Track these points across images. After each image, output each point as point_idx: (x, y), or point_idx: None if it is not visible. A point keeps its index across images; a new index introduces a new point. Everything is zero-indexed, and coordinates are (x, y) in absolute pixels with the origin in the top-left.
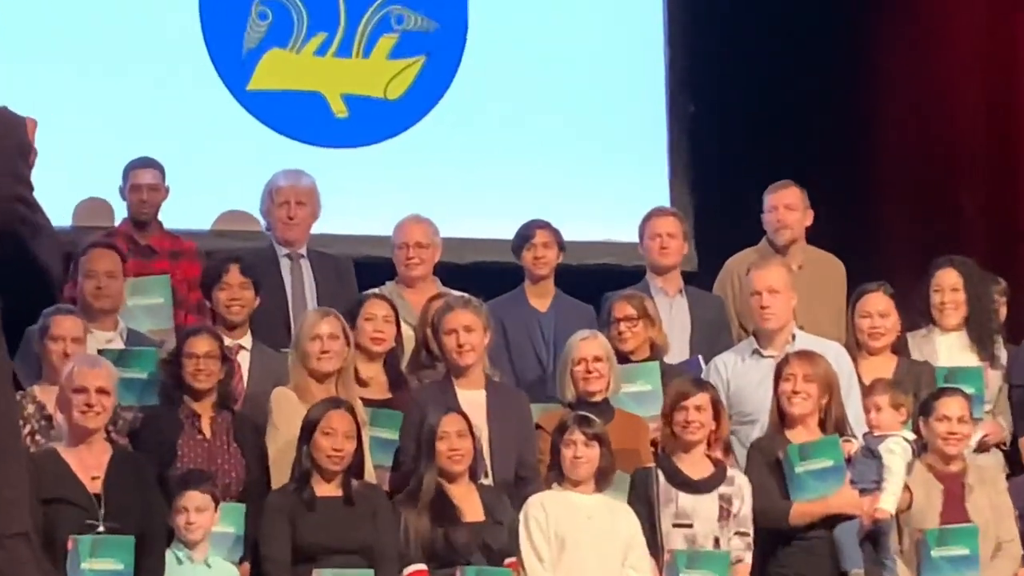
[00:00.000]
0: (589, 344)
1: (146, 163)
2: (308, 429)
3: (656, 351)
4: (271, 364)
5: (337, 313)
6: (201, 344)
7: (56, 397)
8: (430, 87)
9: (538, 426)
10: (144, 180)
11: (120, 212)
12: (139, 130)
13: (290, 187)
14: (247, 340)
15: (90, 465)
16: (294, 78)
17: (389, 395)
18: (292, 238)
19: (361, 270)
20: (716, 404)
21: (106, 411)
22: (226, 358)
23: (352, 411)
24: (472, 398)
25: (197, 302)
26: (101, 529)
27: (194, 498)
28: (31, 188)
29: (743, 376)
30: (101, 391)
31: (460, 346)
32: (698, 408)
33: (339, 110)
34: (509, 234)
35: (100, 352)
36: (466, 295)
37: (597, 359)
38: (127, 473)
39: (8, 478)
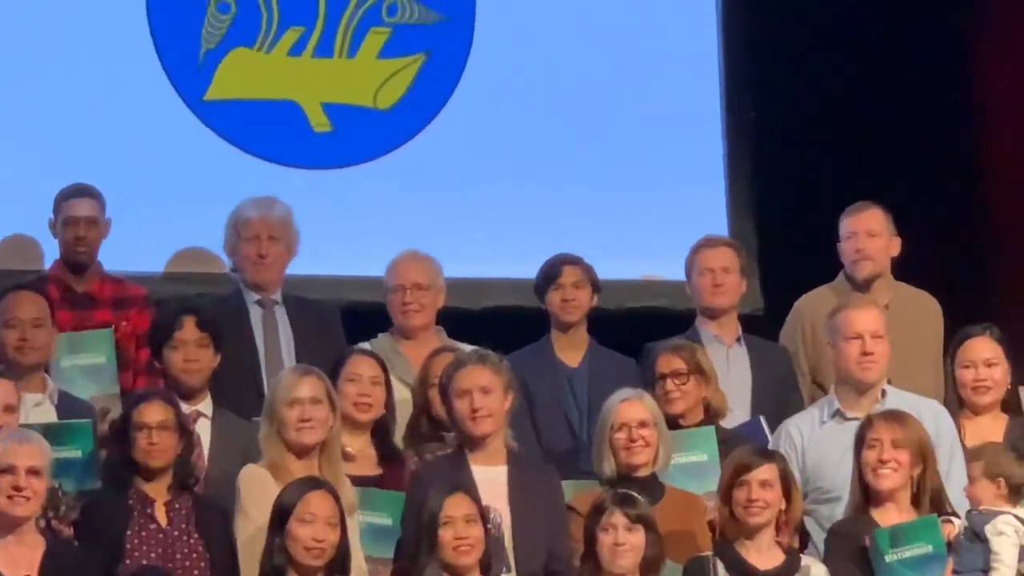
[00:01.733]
0: (632, 407)
1: (81, 191)
2: (281, 515)
3: (711, 413)
4: (237, 435)
5: (320, 372)
6: (153, 412)
7: None
8: (430, 93)
9: (570, 508)
10: (79, 212)
11: (51, 253)
12: (73, 152)
13: (260, 219)
14: (207, 406)
15: (19, 561)
16: (263, 84)
17: (379, 471)
18: (264, 280)
19: (348, 319)
20: (785, 478)
21: (37, 496)
22: (184, 429)
23: (334, 492)
24: (490, 476)
25: (147, 361)
26: None
27: None
28: None
29: (822, 444)
30: (32, 472)
31: (475, 411)
32: (763, 484)
33: (319, 123)
34: (531, 273)
35: (24, 424)
36: (480, 349)
37: (642, 424)
38: (63, 572)
39: None
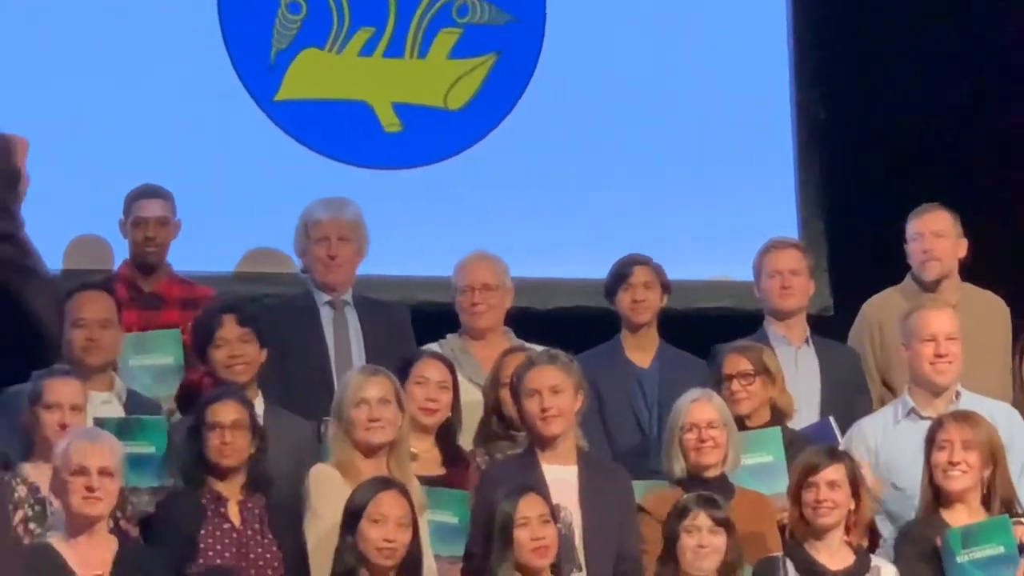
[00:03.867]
0: (701, 407)
1: (152, 192)
2: (353, 516)
3: (778, 414)
4: (290, 432)
5: (388, 372)
6: (227, 412)
7: (51, 479)
8: (500, 93)
9: (640, 508)
10: (149, 212)
11: (121, 253)
12: (144, 152)
13: (331, 220)
14: (258, 404)
15: (91, 562)
16: (334, 85)
17: (443, 471)
18: (334, 281)
19: (418, 320)
20: (854, 478)
21: (110, 496)
22: (257, 429)
23: (406, 493)
24: (561, 475)
25: None
26: None
27: None
28: (19, 224)
29: (896, 443)
30: (104, 472)
31: (544, 411)
32: (831, 484)
33: (390, 123)
34: (601, 273)
35: (97, 422)
36: (550, 349)
37: (711, 425)
38: (135, 572)
39: None
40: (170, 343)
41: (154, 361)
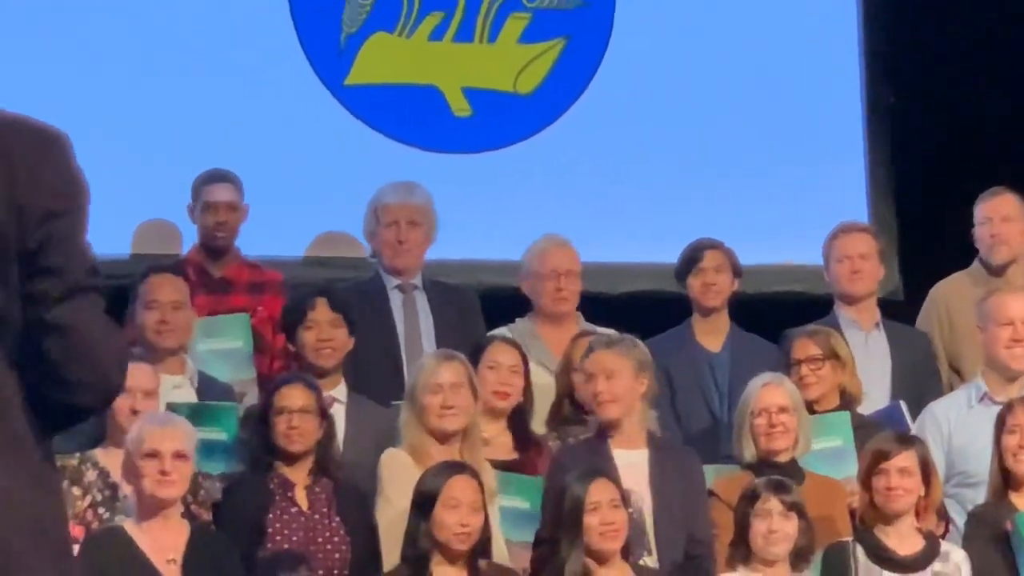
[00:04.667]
0: (772, 392)
1: (221, 176)
2: (426, 500)
3: (847, 399)
4: (372, 420)
5: (463, 357)
6: (295, 397)
7: (123, 463)
8: (570, 78)
9: (711, 492)
10: (220, 197)
11: (189, 238)
12: (214, 136)
13: (400, 204)
14: (341, 392)
15: (164, 546)
16: (403, 69)
17: (515, 455)
18: (403, 266)
19: (487, 304)
20: (925, 464)
21: (183, 479)
22: (325, 414)
23: (476, 476)
24: (631, 460)
25: (284, 346)
26: None
27: None
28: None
29: (969, 428)
30: (178, 456)
31: (596, 395)
32: (902, 471)
33: (459, 107)
34: (671, 257)
35: (169, 408)
36: (614, 333)
37: (782, 410)
38: (209, 556)
39: None
40: (240, 327)
41: (223, 345)
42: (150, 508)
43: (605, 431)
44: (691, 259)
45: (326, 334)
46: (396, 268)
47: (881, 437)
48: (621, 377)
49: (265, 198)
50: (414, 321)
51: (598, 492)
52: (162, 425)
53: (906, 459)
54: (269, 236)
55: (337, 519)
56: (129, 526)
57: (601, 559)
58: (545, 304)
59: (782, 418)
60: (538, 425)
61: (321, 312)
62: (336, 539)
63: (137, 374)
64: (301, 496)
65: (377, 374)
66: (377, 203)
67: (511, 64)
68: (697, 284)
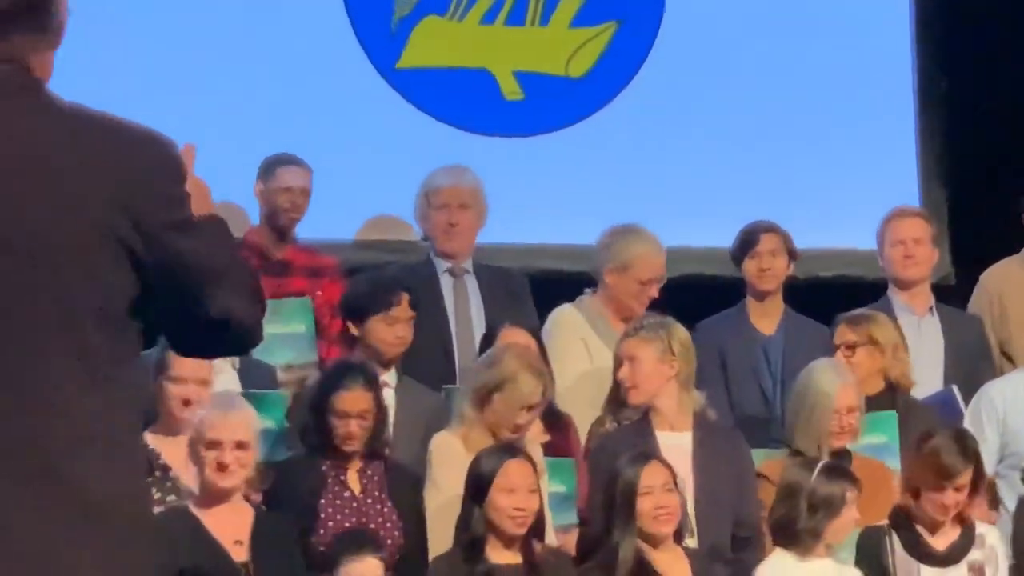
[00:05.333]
0: (848, 392)
1: (296, 160)
2: (482, 484)
3: (892, 385)
4: (421, 404)
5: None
6: (355, 401)
7: (188, 446)
8: (622, 61)
9: (761, 475)
10: (295, 182)
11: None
12: (267, 120)
13: (451, 187)
14: (391, 375)
15: (230, 529)
16: (455, 52)
17: (546, 437)
18: (454, 249)
19: (538, 287)
20: (979, 468)
21: (244, 468)
22: (381, 406)
23: (530, 458)
24: (676, 442)
25: (340, 331)
26: None
27: (368, 568)
28: None
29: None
30: (239, 446)
31: (621, 381)
32: (959, 488)
33: (511, 91)
34: (726, 241)
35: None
36: (651, 316)
37: (851, 410)
38: (274, 539)
39: None
40: (303, 311)
41: (286, 329)
42: (212, 495)
43: (648, 414)
44: (747, 242)
45: (403, 331)
46: (447, 251)
47: (948, 452)
48: (643, 363)
49: (317, 181)
50: (464, 305)
51: (651, 476)
52: (224, 412)
53: (967, 477)
54: (321, 219)
55: (389, 503)
56: (194, 508)
57: (655, 543)
58: (631, 305)
59: (851, 419)
60: (597, 408)
61: (404, 309)
62: (389, 524)
63: (190, 363)
64: (353, 479)
65: (428, 358)
66: (428, 187)
67: (563, 47)
68: (753, 267)
